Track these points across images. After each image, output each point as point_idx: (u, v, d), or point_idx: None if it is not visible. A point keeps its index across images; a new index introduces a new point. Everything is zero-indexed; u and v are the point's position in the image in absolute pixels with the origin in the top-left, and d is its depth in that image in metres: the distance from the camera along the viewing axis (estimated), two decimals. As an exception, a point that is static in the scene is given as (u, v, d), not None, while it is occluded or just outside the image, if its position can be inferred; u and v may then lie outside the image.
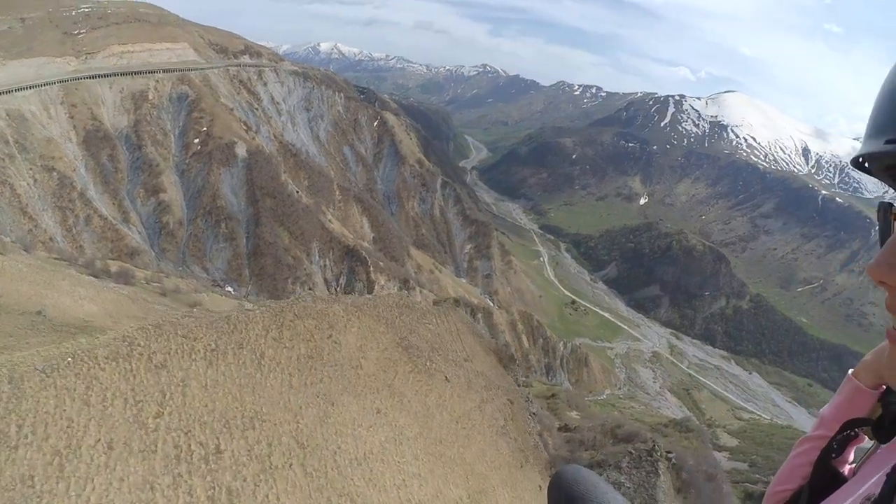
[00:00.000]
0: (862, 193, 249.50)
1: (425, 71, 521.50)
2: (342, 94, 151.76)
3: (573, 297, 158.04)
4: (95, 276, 30.91)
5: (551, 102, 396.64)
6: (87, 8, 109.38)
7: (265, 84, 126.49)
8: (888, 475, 0.82)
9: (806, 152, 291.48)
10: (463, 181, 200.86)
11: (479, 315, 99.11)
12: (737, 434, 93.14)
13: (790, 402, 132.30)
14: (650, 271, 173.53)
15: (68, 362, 13.65)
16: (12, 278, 23.10)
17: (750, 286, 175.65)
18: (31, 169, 78.44)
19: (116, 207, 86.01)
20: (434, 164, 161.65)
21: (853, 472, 1.16)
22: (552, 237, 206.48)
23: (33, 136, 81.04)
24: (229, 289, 75.14)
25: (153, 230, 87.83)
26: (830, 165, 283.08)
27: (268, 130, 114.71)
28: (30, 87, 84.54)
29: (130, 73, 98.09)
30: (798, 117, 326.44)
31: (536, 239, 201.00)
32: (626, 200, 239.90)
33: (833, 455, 1.19)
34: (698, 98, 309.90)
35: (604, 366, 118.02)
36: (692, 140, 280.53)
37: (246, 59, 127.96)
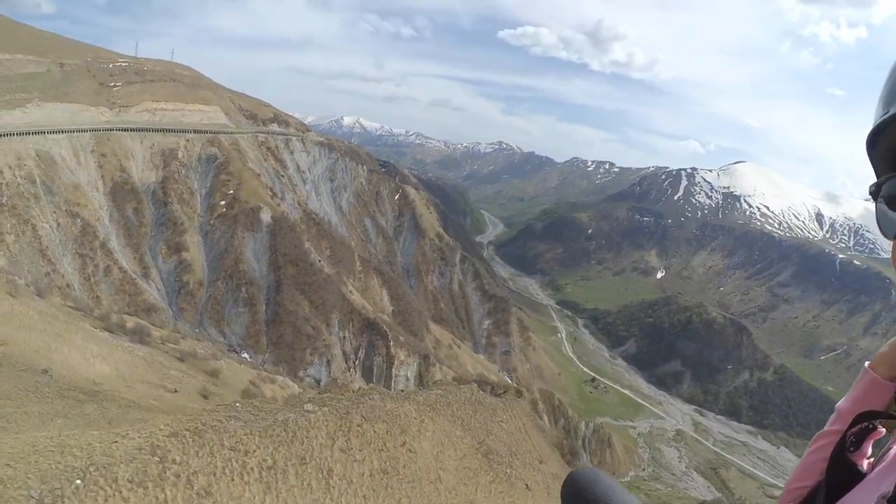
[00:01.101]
0: (878, 254, 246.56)
1: (443, 147, 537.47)
2: (365, 167, 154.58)
3: (593, 374, 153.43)
4: (110, 331, 29.76)
5: (565, 178, 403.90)
6: (124, 62, 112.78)
7: (292, 153, 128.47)
8: None
9: (819, 217, 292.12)
10: (480, 256, 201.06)
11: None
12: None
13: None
14: (670, 346, 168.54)
15: (76, 488, 9.62)
16: (21, 325, 20.72)
17: (773, 357, 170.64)
18: (55, 212, 78.08)
19: (137, 262, 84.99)
20: (453, 238, 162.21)
21: (872, 467, 1.14)
22: (569, 313, 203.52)
23: (60, 181, 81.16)
24: (245, 355, 73.66)
25: (172, 288, 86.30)
26: (845, 228, 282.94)
27: (292, 198, 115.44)
28: (63, 132, 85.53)
29: (162, 130, 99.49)
30: (808, 183, 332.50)
31: (554, 314, 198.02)
32: (643, 274, 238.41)
33: (851, 449, 1.16)
34: (709, 170, 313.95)
35: (627, 446, 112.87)
36: (706, 212, 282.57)
37: (274, 126, 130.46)
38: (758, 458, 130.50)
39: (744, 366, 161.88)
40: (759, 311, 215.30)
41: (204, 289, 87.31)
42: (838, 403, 1.27)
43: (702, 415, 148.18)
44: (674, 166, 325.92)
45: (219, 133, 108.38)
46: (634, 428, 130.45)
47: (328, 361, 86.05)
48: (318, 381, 77.97)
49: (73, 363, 19.59)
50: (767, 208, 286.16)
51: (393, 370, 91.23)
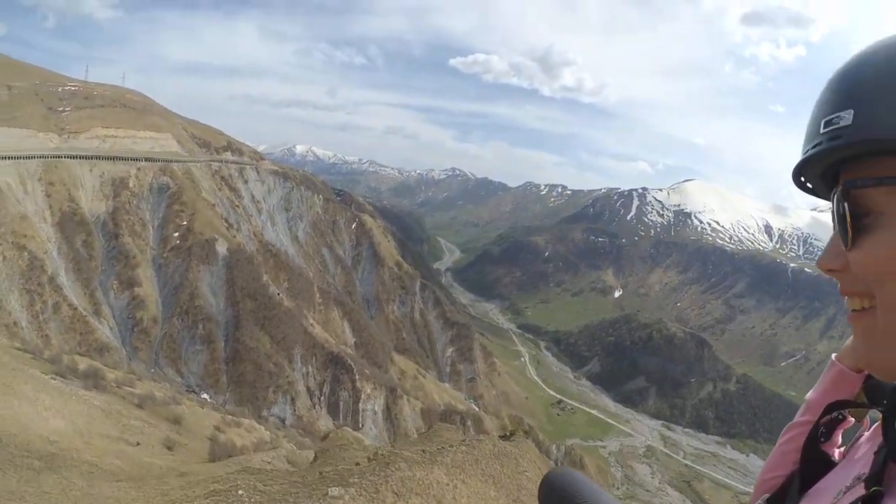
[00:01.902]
0: None
1: (397, 174, 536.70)
2: (321, 196, 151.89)
3: (559, 396, 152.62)
4: (62, 376, 27.12)
5: (519, 203, 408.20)
6: (73, 87, 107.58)
7: (246, 182, 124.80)
8: (876, 453, 0.82)
9: (768, 229, 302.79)
10: (440, 283, 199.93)
11: (469, 422, 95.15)
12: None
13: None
14: (633, 363, 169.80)
15: None
16: (-37, 376, 16.93)
17: (734, 367, 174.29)
18: (0, 245, 72.37)
19: (88, 298, 79.15)
20: (412, 266, 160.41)
21: (843, 455, 1.16)
22: (531, 336, 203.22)
23: (7, 210, 75.13)
24: (205, 396, 69.48)
25: (125, 326, 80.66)
26: (794, 238, 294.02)
27: (248, 229, 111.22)
28: (9, 158, 79.79)
29: (112, 158, 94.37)
30: (755, 196, 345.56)
31: (515, 339, 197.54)
32: (601, 294, 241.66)
33: (822, 439, 1.18)
34: (660, 189, 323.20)
35: (599, 466, 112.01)
36: (659, 230, 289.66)
37: (228, 155, 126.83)
38: (729, 467, 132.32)
39: (707, 378, 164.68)
40: (717, 324, 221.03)
41: (159, 326, 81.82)
42: (808, 395, 1.31)
43: (669, 429, 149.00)
44: (625, 187, 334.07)
45: (171, 161, 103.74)
46: (605, 447, 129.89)
47: (292, 399, 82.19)
48: (282, 421, 74.19)
49: (24, 419, 16.97)
50: (718, 223, 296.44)
51: (360, 405, 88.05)
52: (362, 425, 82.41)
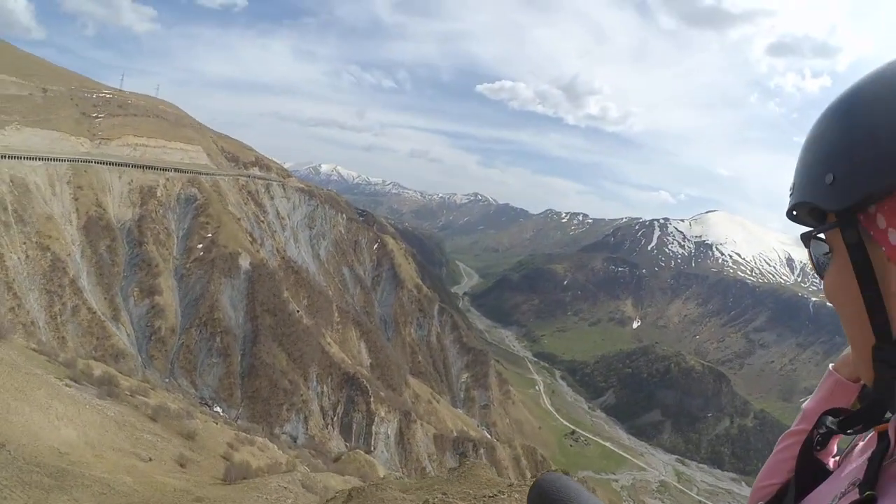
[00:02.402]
0: None
1: (419, 197, 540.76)
2: (344, 215, 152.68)
3: (573, 426, 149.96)
4: (76, 381, 27.12)
5: (540, 230, 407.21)
6: (108, 94, 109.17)
7: (272, 198, 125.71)
8: (869, 459, 0.84)
9: (790, 262, 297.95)
10: (457, 307, 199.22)
11: (482, 450, 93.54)
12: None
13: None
14: (650, 396, 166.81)
15: None
16: (-23, 378, 16.76)
17: (752, 402, 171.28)
18: (24, 243, 72.73)
19: (107, 303, 79.09)
20: (430, 289, 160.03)
21: (837, 465, 1.17)
22: (546, 364, 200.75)
23: (33, 210, 76.03)
24: (218, 409, 69.21)
25: (143, 334, 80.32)
26: (815, 272, 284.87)
27: (271, 244, 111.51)
28: (40, 159, 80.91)
29: (142, 167, 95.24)
30: (777, 229, 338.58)
31: (531, 366, 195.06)
32: (619, 324, 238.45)
33: (817, 447, 1.19)
34: (682, 220, 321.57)
35: (611, 500, 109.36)
36: (679, 261, 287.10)
37: (255, 170, 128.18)
38: None
39: (724, 413, 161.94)
40: (736, 358, 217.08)
41: (176, 336, 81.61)
42: (804, 404, 1.32)
43: (684, 464, 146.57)
44: (646, 216, 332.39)
45: (200, 174, 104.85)
46: (617, 481, 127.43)
47: (305, 418, 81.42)
48: (294, 439, 73.59)
49: (35, 428, 16.66)
50: (739, 255, 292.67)
51: (373, 427, 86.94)
52: (374, 448, 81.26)
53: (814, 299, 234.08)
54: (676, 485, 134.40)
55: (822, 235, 0.85)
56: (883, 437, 0.85)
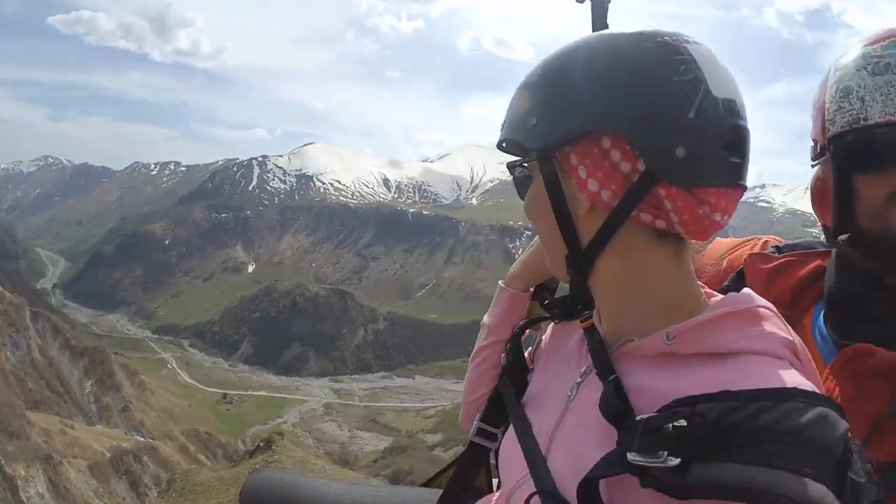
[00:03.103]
0: (441, 201, 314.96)
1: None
2: None
3: (222, 391, 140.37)
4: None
5: (128, 187, 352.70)
6: None
7: None
8: (592, 349, 0.92)
9: (387, 182, 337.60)
10: (50, 306, 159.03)
11: (146, 457, 76.20)
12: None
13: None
14: (284, 333, 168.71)
15: None
16: None
17: (379, 309, 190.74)
18: None
19: None
20: (13, 293, 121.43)
21: (531, 357, 1.28)
22: (171, 337, 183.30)
23: None
24: None
25: None
26: (409, 187, 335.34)
27: None
28: None
29: None
30: (372, 154, 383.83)
31: (155, 346, 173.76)
32: (235, 272, 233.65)
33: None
34: (280, 155, 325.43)
35: (291, 440, 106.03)
36: (283, 196, 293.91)
37: None
38: (401, 394, 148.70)
39: (357, 325, 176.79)
40: (354, 274, 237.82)
41: None
42: (485, 320, 1.40)
43: (338, 381, 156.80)
44: (244, 156, 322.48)
45: None
46: (286, 422, 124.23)
47: None
48: None
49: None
50: (340, 182, 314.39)
51: (20, 495, 60.76)
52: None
53: (411, 210, 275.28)
54: (339, 401, 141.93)
55: (525, 165, 0.97)
56: (591, 330, 0.95)
